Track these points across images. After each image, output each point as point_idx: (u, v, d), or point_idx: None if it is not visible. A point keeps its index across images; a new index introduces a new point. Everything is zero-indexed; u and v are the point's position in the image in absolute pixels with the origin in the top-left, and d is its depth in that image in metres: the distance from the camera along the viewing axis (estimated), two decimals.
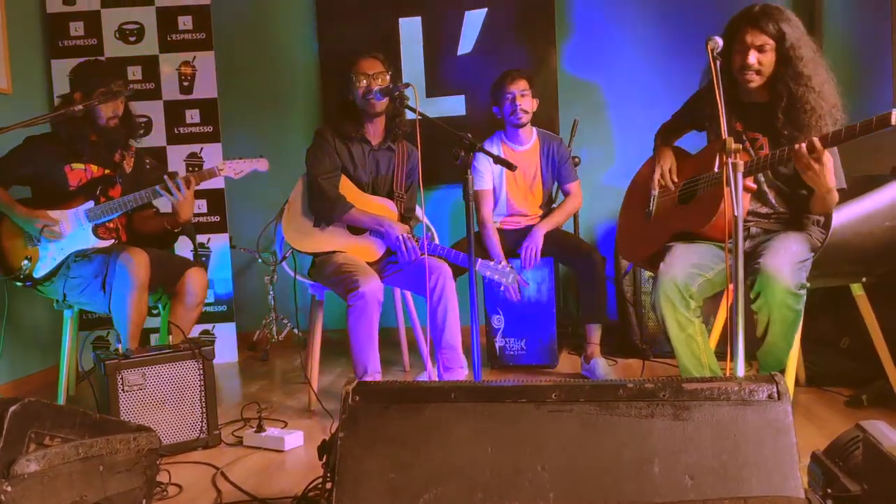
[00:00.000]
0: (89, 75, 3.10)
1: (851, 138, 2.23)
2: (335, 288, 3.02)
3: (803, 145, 2.31)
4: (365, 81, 3.07)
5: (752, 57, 2.47)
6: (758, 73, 2.50)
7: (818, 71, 2.46)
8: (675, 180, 2.83)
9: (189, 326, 3.12)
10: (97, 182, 3.14)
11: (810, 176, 2.35)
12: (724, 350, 2.13)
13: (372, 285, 2.88)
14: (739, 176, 2.01)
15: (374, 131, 3.21)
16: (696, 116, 2.81)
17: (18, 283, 3.08)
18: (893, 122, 2.10)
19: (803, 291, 2.38)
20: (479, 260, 3.02)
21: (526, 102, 3.59)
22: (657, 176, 2.87)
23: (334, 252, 3.13)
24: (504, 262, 3.12)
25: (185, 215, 3.12)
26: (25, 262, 3.03)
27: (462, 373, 3.05)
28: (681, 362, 2.55)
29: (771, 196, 2.62)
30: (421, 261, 3.03)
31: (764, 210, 2.64)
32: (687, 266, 2.52)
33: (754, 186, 2.60)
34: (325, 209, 3.11)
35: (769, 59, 2.48)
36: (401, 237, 3.02)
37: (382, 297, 2.93)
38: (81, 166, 3.15)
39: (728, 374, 2.10)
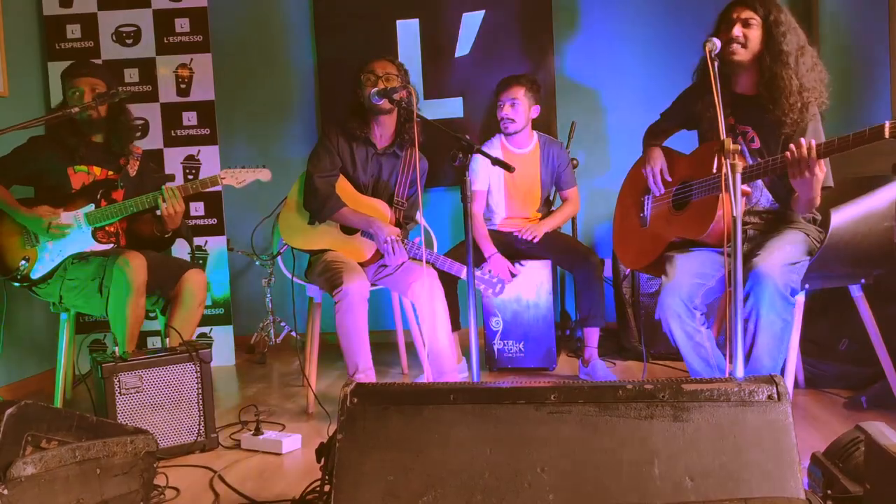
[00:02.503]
0: (65, 77, 3.11)
1: (844, 149, 2.24)
2: (323, 286, 3.02)
3: (797, 151, 2.30)
4: (374, 81, 3.06)
5: (738, 29, 2.52)
6: (743, 46, 2.53)
7: (804, 51, 2.50)
8: (669, 179, 2.83)
9: (191, 329, 3.10)
10: (99, 185, 3.14)
11: (800, 182, 2.35)
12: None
13: (356, 283, 2.88)
14: (738, 177, 2.01)
15: (381, 134, 3.20)
16: (687, 115, 2.82)
17: (16, 284, 3.08)
18: (887, 135, 2.10)
19: (793, 300, 2.38)
20: (466, 269, 3.01)
21: (515, 112, 3.56)
22: (650, 179, 2.86)
23: (326, 250, 3.15)
24: (491, 272, 3.10)
25: (173, 225, 3.12)
26: (23, 262, 3.02)
27: (456, 376, 3.04)
28: (690, 367, 2.58)
29: (766, 191, 2.63)
30: (408, 264, 3.03)
31: (760, 206, 2.65)
32: (689, 277, 2.53)
33: (749, 191, 2.61)
34: (316, 206, 3.12)
35: (755, 34, 2.53)
36: (389, 239, 3.01)
37: (368, 294, 2.93)
38: (84, 168, 3.14)
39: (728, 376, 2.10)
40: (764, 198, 2.65)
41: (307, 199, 3.15)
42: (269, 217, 3.57)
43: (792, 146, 2.31)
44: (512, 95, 3.57)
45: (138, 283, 2.92)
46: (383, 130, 3.20)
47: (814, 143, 2.27)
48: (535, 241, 3.54)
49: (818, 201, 2.44)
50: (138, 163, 3.26)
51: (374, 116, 3.14)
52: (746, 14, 2.53)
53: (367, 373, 2.91)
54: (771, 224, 2.65)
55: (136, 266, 2.92)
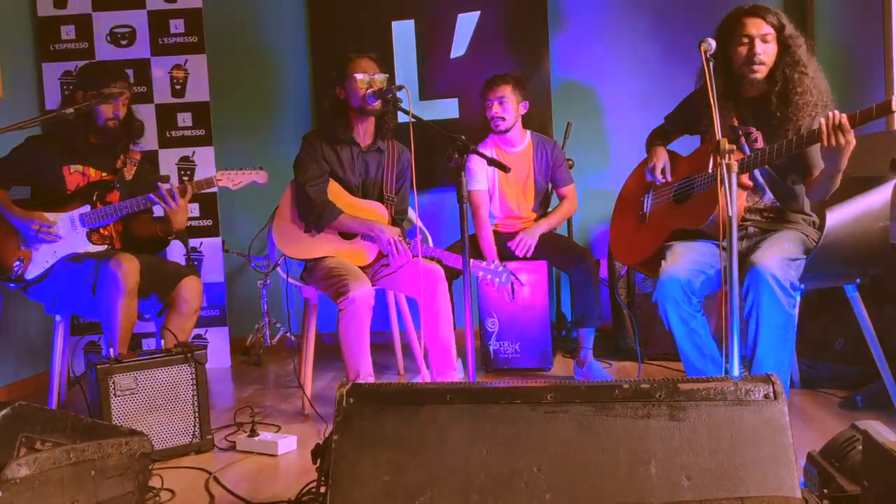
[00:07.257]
0: (92, 75, 3.12)
1: (851, 127, 2.26)
2: (327, 291, 3.00)
3: (831, 120, 2.27)
4: (364, 81, 3.04)
5: (760, 47, 2.51)
6: (763, 63, 2.52)
7: (811, 61, 2.53)
8: (669, 179, 2.83)
9: (186, 335, 3.09)
10: (94, 187, 3.13)
11: (831, 150, 2.31)
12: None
13: (362, 290, 2.86)
14: (734, 177, 2.01)
15: (364, 132, 3.19)
16: (690, 119, 2.82)
17: (10, 285, 3.06)
18: (894, 108, 2.12)
19: (795, 294, 2.38)
20: (472, 260, 3.00)
21: (504, 110, 3.57)
22: (650, 168, 2.86)
23: (325, 256, 3.12)
24: (497, 262, 3.11)
25: (179, 224, 3.09)
26: (17, 263, 3.01)
27: (455, 376, 3.04)
28: (683, 355, 2.58)
29: (767, 189, 2.64)
30: (413, 263, 3.02)
31: (762, 204, 2.66)
32: (688, 263, 2.54)
33: (750, 183, 2.61)
34: (313, 216, 3.09)
35: (772, 49, 2.53)
36: (392, 241, 3.00)
37: (373, 301, 2.91)
38: (80, 168, 3.13)
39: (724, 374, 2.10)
40: (766, 196, 2.66)
41: (303, 210, 3.13)
42: (265, 227, 3.55)
43: (822, 118, 2.29)
44: (499, 94, 3.58)
45: (130, 286, 2.90)
46: (366, 128, 3.18)
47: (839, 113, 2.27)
48: (529, 253, 3.54)
49: (838, 182, 2.44)
50: (135, 168, 3.25)
51: (362, 117, 3.13)
52: (765, 30, 2.51)
53: (367, 379, 2.90)
54: (771, 222, 2.66)
55: (127, 268, 2.90)
